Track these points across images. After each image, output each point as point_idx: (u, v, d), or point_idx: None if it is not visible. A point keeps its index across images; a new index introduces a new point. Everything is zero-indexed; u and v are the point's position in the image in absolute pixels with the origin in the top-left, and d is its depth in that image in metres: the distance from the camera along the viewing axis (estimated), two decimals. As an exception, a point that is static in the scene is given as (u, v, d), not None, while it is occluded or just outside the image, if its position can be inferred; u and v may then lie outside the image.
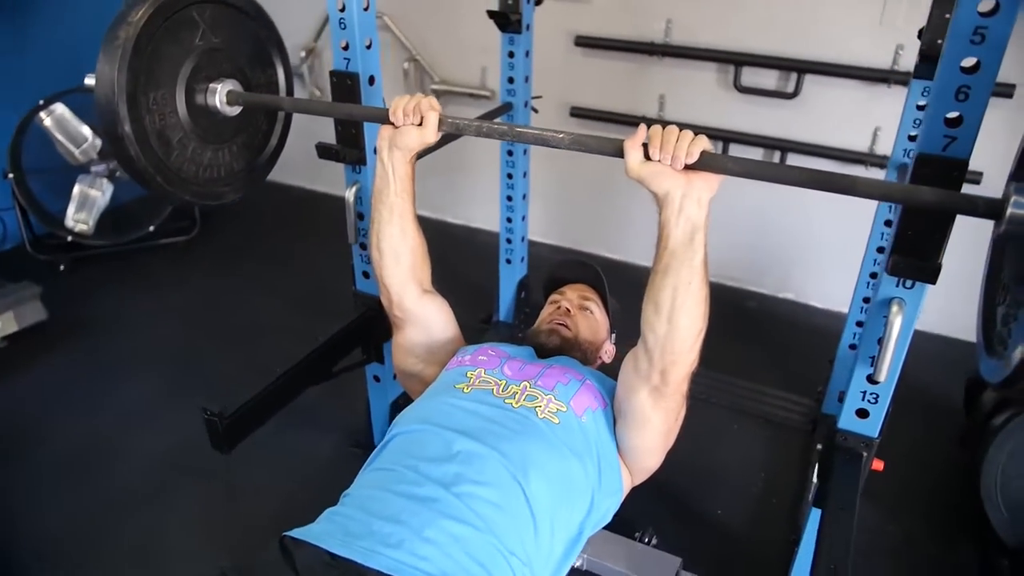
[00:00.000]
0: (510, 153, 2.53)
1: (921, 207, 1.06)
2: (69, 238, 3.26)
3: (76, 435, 2.35)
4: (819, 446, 1.55)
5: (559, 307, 1.55)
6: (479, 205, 3.72)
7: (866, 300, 2.15)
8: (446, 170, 3.39)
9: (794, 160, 2.89)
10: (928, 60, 1.72)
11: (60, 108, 3.10)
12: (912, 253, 1.19)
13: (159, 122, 1.35)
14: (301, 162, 4.14)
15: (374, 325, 1.92)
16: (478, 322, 2.94)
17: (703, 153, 1.02)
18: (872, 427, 1.39)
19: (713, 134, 3.00)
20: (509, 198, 2.63)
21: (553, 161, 2.99)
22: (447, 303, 1.48)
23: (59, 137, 3.12)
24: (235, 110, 1.48)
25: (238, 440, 1.57)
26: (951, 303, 2.53)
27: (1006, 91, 2.38)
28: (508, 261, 2.78)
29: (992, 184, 2.50)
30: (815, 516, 1.53)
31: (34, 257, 3.28)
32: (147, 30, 1.27)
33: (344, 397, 2.30)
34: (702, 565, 1.74)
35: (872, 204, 2.79)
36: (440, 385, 1.35)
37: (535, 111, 2.54)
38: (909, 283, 1.24)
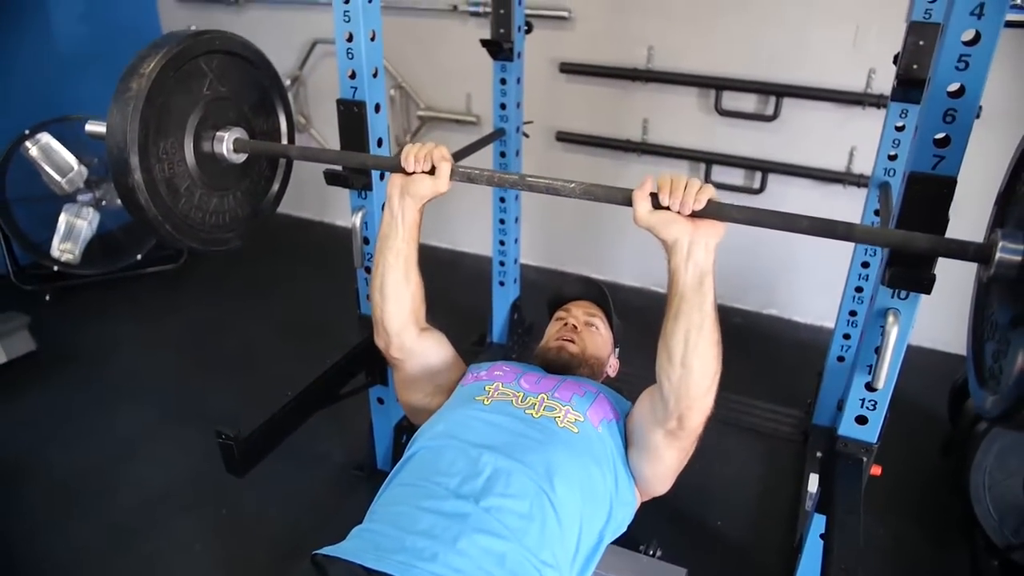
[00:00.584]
0: (502, 177, 2.58)
1: (916, 251, 1.11)
2: (55, 268, 3.23)
3: (71, 466, 2.32)
4: (819, 454, 1.60)
5: (565, 324, 1.60)
6: (465, 229, 3.77)
7: (852, 313, 2.23)
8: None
9: (774, 180, 3.00)
10: (905, 84, 1.82)
11: (46, 137, 3.07)
12: (907, 265, 1.26)
13: (168, 171, 1.37)
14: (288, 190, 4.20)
15: (378, 348, 1.94)
16: (471, 344, 2.98)
17: (709, 201, 1.07)
18: (871, 433, 1.46)
19: (695, 156, 3.10)
20: (502, 221, 2.68)
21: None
22: (443, 335, 1.49)
23: (45, 167, 3.09)
24: (241, 157, 1.50)
25: (253, 464, 1.59)
26: (933, 317, 2.64)
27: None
28: (501, 283, 2.83)
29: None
30: (818, 522, 1.59)
31: (18, 287, 3.25)
32: (159, 81, 1.28)
33: (342, 420, 2.30)
34: (707, 575, 1.78)
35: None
36: (459, 398, 1.38)
37: (527, 136, 2.61)
38: (904, 294, 1.31)
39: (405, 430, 2.14)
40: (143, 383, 2.78)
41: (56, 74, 3.58)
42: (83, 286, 3.36)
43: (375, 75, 1.65)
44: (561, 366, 1.51)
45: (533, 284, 3.14)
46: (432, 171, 1.28)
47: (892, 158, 1.99)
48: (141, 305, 3.36)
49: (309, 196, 4.15)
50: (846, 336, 2.27)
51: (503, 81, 2.40)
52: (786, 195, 3.00)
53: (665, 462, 1.25)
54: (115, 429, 2.50)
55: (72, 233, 3.21)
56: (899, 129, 1.95)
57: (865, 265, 2.15)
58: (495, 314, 2.90)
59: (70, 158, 3.12)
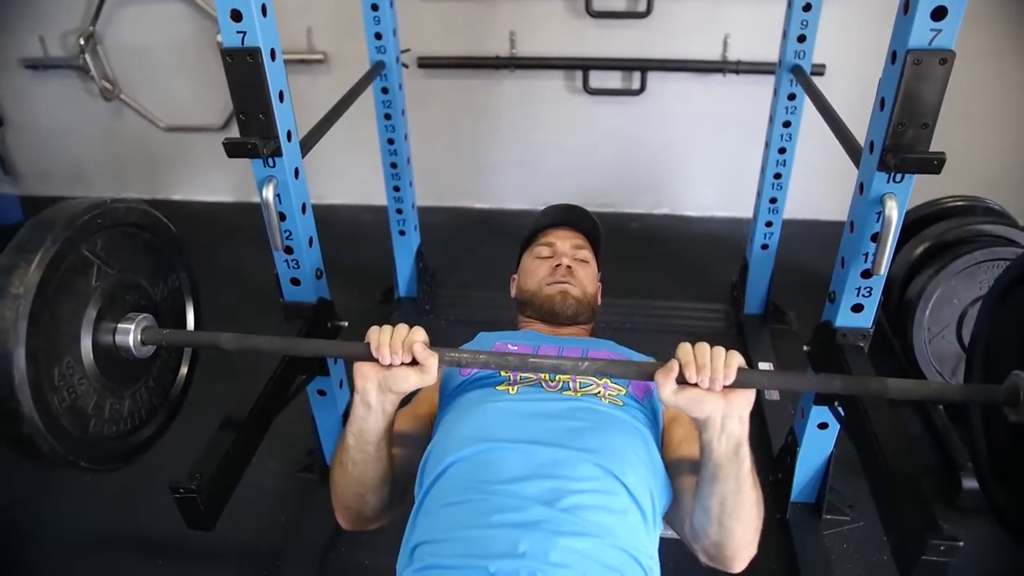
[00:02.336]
0: (388, 116, 2.31)
1: (950, 402, 1.12)
2: None
3: None
4: (805, 348, 1.60)
5: (558, 265, 1.45)
6: (324, 178, 3.41)
7: (773, 200, 2.25)
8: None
9: (654, 78, 2.94)
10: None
11: None
12: (908, 150, 1.23)
13: (69, 397, 1.04)
14: (106, 168, 3.56)
15: (312, 334, 1.68)
16: (377, 303, 2.74)
17: (739, 369, 0.96)
18: (867, 319, 1.46)
19: (570, 64, 2.97)
20: (394, 164, 2.42)
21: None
22: (407, 435, 1.23)
23: None
24: (150, 350, 1.20)
25: (220, 511, 1.32)
26: (810, 190, 2.78)
27: None
28: (402, 232, 2.59)
29: (834, 76, 2.72)
30: (816, 415, 1.61)
31: None
32: (39, 299, 0.97)
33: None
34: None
35: (738, 113, 2.94)
36: (476, 396, 1.18)
37: (405, 66, 2.33)
38: (899, 177, 1.28)
39: (353, 417, 1.91)
40: None
41: None
42: None
43: (264, 12, 1.33)
44: (570, 316, 1.38)
45: (429, 227, 2.91)
46: (414, 361, 1.03)
47: (801, 39, 1.97)
48: None
49: (133, 171, 3.59)
50: (768, 224, 2.30)
51: (375, 7, 2.09)
52: (667, 92, 2.98)
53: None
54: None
55: None
56: (806, 9, 1.92)
57: (782, 151, 2.16)
58: (399, 266, 2.67)
59: None
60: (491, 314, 2.62)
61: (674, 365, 0.96)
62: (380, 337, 1.03)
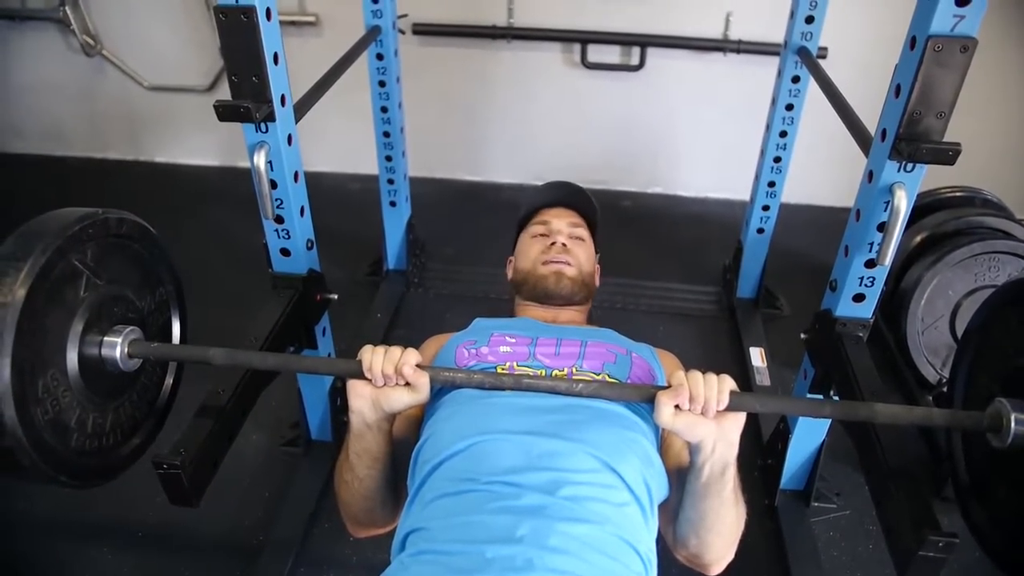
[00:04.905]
0: (382, 84, 2.24)
1: (936, 427, 1.18)
2: None
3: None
4: (803, 335, 1.58)
5: (553, 244, 1.42)
6: (317, 145, 3.33)
7: (771, 184, 2.23)
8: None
9: (653, 54, 2.89)
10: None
11: None
12: (923, 139, 1.20)
13: (52, 410, 1.01)
14: (85, 127, 3.44)
15: (301, 307, 1.64)
16: (365, 276, 2.69)
17: (731, 394, 0.98)
18: (868, 309, 1.45)
19: (570, 37, 2.90)
20: (386, 134, 2.36)
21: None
22: (405, 437, 1.22)
23: None
24: (137, 363, 1.16)
25: (204, 487, 1.28)
26: (809, 176, 2.76)
27: None
28: (392, 203, 2.53)
29: (836, 60, 2.68)
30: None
31: None
32: (28, 310, 0.94)
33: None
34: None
35: (737, 93, 2.90)
36: (472, 392, 1.14)
37: (402, 32, 2.26)
38: (910, 167, 1.26)
39: (340, 392, 1.88)
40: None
41: None
42: None
43: (259, -31, 1.26)
44: (566, 296, 1.36)
45: (415, 198, 2.85)
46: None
47: (809, 20, 1.93)
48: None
49: (114, 132, 3.47)
50: (765, 208, 2.28)
51: (372, -32, 2.02)
52: (667, 69, 2.92)
53: None
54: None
55: None
56: (816, -10, 1.87)
57: (783, 135, 2.12)
58: (388, 238, 2.61)
59: None
60: (480, 288, 2.59)
61: (678, 390, 0.96)
62: (372, 359, 1.04)
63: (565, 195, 1.54)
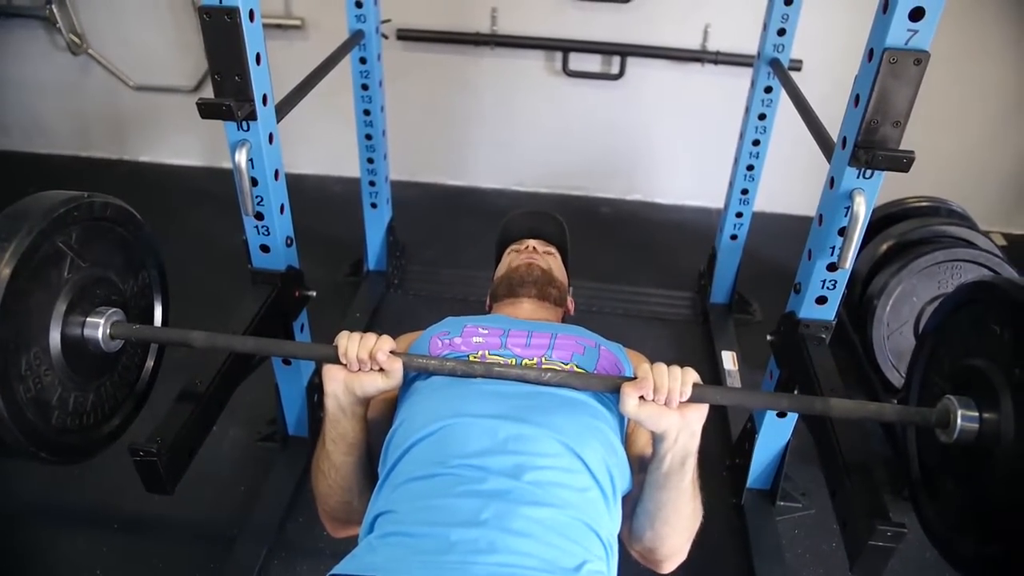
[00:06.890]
0: (365, 87, 2.28)
1: (888, 422, 1.20)
2: None
3: None
4: (769, 337, 1.63)
5: (525, 247, 1.53)
6: (300, 147, 3.36)
7: (744, 192, 2.28)
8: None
9: (633, 63, 2.95)
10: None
11: None
12: (879, 147, 1.25)
13: (34, 387, 1.04)
14: (70, 126, 3.45)
15: (279, 302, 1.67)
16: (345, 276, 2.72)
17: (694, 386, 1.03)
18: (830, 312, 1.50)
19: (551, 45, 2.95)
20: (368, 136, 2.39)
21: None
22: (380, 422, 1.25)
23: None
24: (119, 344, 1.19)
25: (180, 475, 1.30)
26: (781, 185, 2.83)
27: None
28: (374, 205, 2.56)
29: (811, 72, 2.75)
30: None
31: None
32: (12, 290, 0.97)
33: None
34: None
35: (714, 103, 2.96)
36: (443, 379, 1.17)
37: (385, 37, 2.30)
38: (869, 173, 1.31)
39: (317, 388, 1.90)
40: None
41: None
42: None
43: (243, -29, 1.30)
44: (533, 283, 1.43)
45: (396, 201, 2.89)
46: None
47: (781, 33, 1.99)
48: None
49: (98, 130, 3.48)
50: (739, 215, 2.33)
51: (356, -27, 2.06)
52: (645, 78, 2.98)
53: None
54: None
55: None
56: (788, 2, 1.93)
57: (756, 143, 2.18)
58: (369, 239, 2.65)
59: None
60: (459, 290, 2.63)
61: (642, 381, 1.01)
62: (348, 344, 1.08)
63: (535, 225, 1.64)
